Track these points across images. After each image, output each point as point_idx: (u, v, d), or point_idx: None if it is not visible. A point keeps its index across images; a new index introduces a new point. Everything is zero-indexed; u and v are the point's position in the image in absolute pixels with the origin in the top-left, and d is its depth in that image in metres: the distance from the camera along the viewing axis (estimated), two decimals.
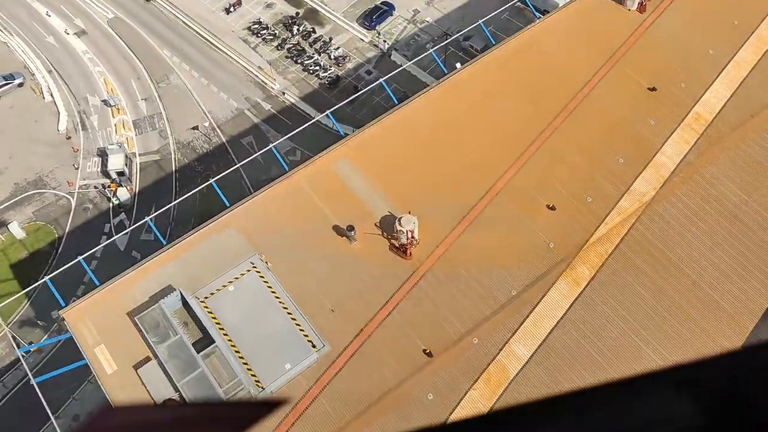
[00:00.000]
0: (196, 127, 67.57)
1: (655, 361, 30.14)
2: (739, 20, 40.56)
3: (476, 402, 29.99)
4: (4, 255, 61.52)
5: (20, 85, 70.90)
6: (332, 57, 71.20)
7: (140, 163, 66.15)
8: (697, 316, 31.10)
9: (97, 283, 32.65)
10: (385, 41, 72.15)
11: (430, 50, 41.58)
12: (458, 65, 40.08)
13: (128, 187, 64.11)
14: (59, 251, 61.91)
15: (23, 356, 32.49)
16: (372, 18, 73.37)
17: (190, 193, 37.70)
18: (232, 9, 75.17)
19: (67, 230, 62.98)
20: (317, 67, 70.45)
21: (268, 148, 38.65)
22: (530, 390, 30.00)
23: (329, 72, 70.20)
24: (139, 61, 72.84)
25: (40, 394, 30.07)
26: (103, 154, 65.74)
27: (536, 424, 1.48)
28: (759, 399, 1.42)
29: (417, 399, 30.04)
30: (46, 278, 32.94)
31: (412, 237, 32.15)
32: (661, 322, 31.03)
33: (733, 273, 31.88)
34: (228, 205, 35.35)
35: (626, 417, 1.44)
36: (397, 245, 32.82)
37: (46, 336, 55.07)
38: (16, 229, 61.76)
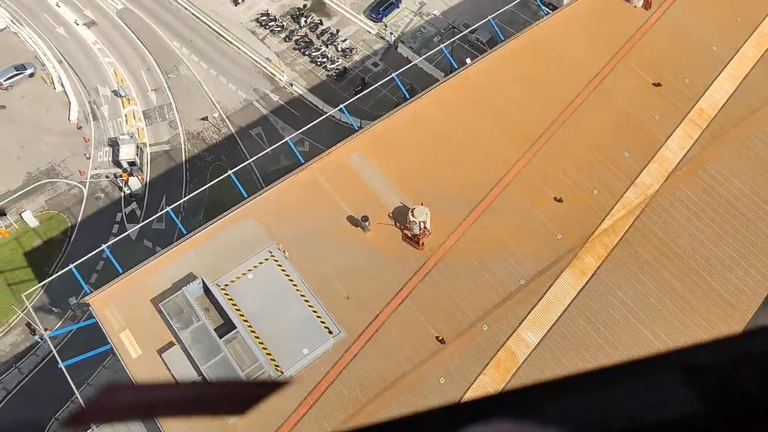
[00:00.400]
0: (205, 118, 68.57)
1: (658, 348, 31.37)
2: (742, 17, 41.53)
3: (486, 386, 31.25)
4: (17, 243, 62.68)
5: (31, 75, 71.75)
6: (339, 49, 72.09)
7: (151, 153, 67.17)
8: (699, 305, 32.32)
9: (120, 270, 33.81)
10: (391, 33, 73.00)
11: (441, 46, 42.53)
12: (468, 60, 41.09)
13: (139, 177, 65.17)
14: (72, 240, 63.05)
15: (50, 341, 33.66)
16: (379, 10, 74.18)
17: (208, 185, 38.83)
18: (240, 0, 75.95)
19: (79, 219, 64.10)
20: (324, 59, 71.35)
21: (282, 141, 39.75)
22: (538, 375, 31.23)
23: (336, 64, 71.11)
24: (148, 52, 73.69)
25: (68, 378, 31.31)
26: (114, 144, 66.75)
27: (540, 404, 1.54)
28: (757, 384, 1.47)
29: (429, 383, 31.30)
30: (72, 266, 34.10)
31: (425, 227, 33.29)
32: (665, 311, 32.25)
33: (734, 264, 33.05)
34: (246, 195, 36.46)
35: (628, 399, 1.49)
36: (409, 235, 33.98)
37: (60, 322, 56.34)
38: (29, 218, 62.89)
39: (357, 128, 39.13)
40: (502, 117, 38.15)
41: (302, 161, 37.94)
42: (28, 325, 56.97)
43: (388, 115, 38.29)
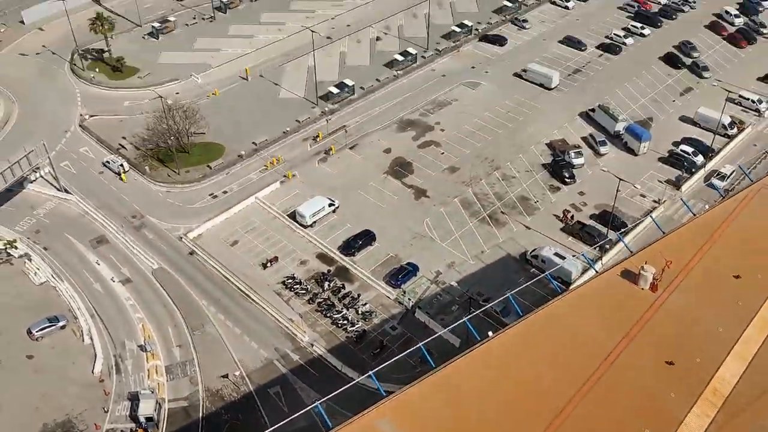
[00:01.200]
0: (226, 376, 70.14)
1: None
2: (742, 301, 44.87)
3: None
4: None
5: (63, 327, 74.86)
6: (359, 312, 75.80)
7: (169, 408, 67.70)
8: None
9: None
10: (409, 299, 77.19)
11: (464, 319, 45.75)
12: (490, 333, 43.85)
13: None
14: None
15: None
16: (398, 277, 79.38)
17: None
18: (269, 264, 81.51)
19: None
20: (345, 321, 74.76)
21: (308, 408, 40.99)
22: None
23: (356, 326, 74.33)
24: (177, 309, 77.48)
25: None
26: (134, 399, 67.59)
27: None
28: None
29: None
30: None
31: None
32: None
33: None
34: None
35: None
36: None
37: None
38: None
39: (385, 394, 40.64)
40: (523, 389, 39.77)
41: (330, 426, 38.92)
42: None
43: (416, 381, 40.02)
